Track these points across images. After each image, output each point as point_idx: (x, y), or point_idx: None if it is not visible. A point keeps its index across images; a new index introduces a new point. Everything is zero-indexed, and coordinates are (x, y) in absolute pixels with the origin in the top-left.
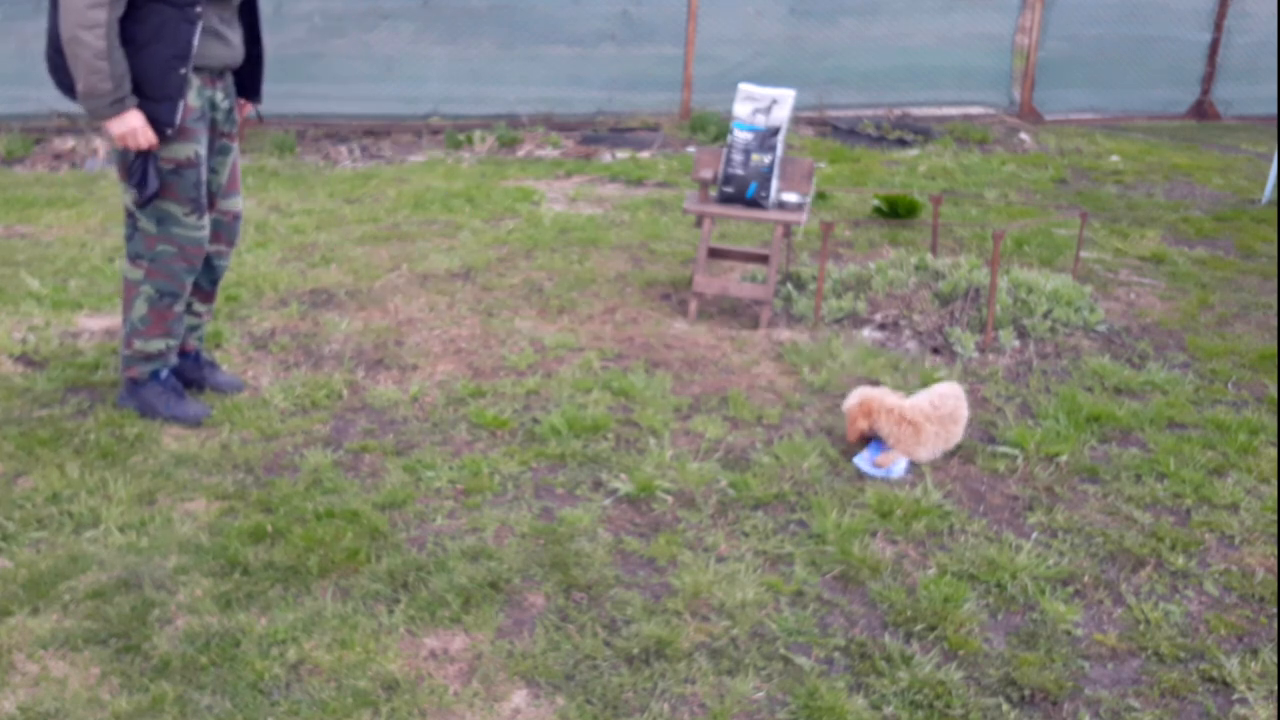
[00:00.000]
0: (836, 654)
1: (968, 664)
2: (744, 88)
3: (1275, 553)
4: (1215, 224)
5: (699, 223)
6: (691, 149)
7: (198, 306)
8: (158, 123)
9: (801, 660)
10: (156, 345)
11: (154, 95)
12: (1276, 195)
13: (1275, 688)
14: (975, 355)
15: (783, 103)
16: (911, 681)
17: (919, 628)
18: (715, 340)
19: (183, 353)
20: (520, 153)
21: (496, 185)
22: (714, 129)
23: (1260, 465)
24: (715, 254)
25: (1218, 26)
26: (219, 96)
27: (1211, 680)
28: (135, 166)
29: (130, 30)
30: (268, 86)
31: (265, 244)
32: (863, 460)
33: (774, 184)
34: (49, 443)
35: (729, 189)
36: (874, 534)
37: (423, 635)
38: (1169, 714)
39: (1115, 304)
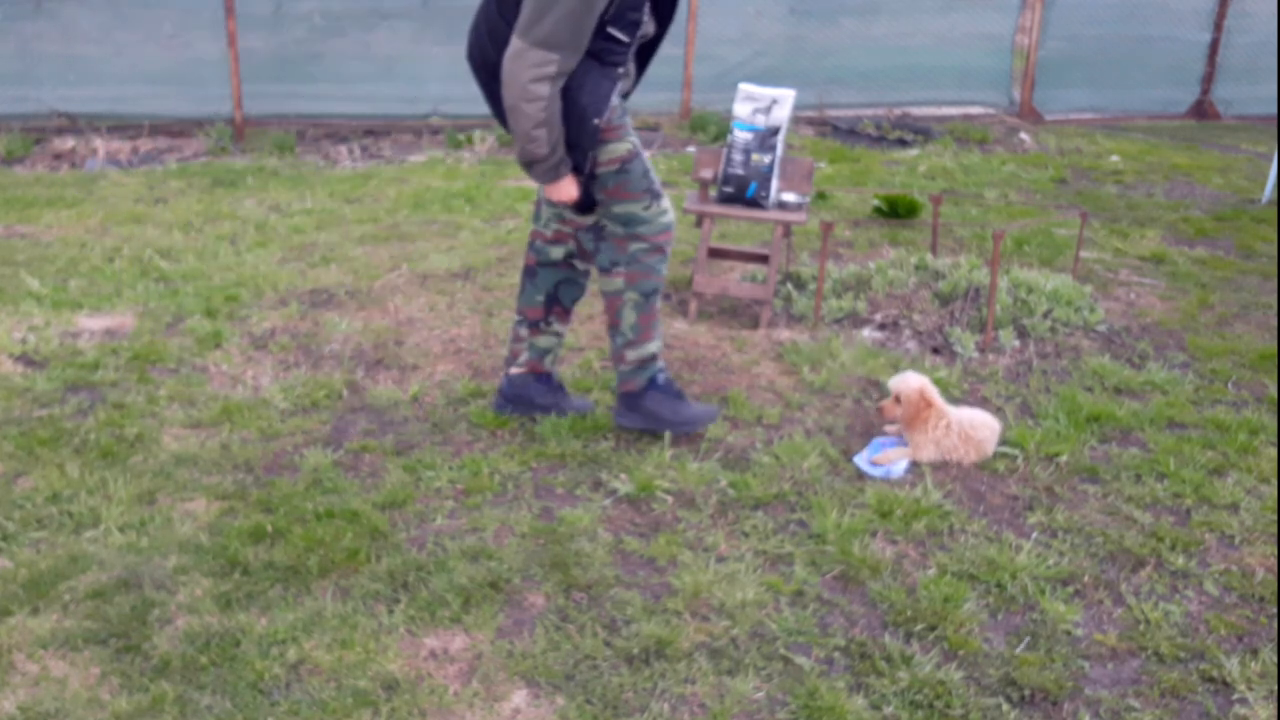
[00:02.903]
0: (836, 654)
1: (968, 664)
2: (744, 88)
3: (1275, 553)
4: (1215, 224)
5: (699, 222)
6: (691, 149)
7: (557, 326)
8: (577, 167)
9: (801, 660)
10: (650, 349)
11: (574, 143)
12: (1276, 195)
13: (1275, 688)
14: (975, 355)
15: (783, 103)
16: (911, 681)
17: (919, 628)
18: (715, 340)
19: (536, 375)
20: None
21: (496, 185)
22: (714, 129)
23: (1260, 465)
24: (715, 254)
25: (1218, 26)
26: None
27: (1211, 680)
28: (585, 194)
29: None
30: (267, 86)
31: (265, 244)
32: (862, 460)
33: (774, 184)
34: (49, 443)
35: (729, 189)
36: (874, 534)
37: (423, 635)
38: (1169, 714)
39: (1115, 304)
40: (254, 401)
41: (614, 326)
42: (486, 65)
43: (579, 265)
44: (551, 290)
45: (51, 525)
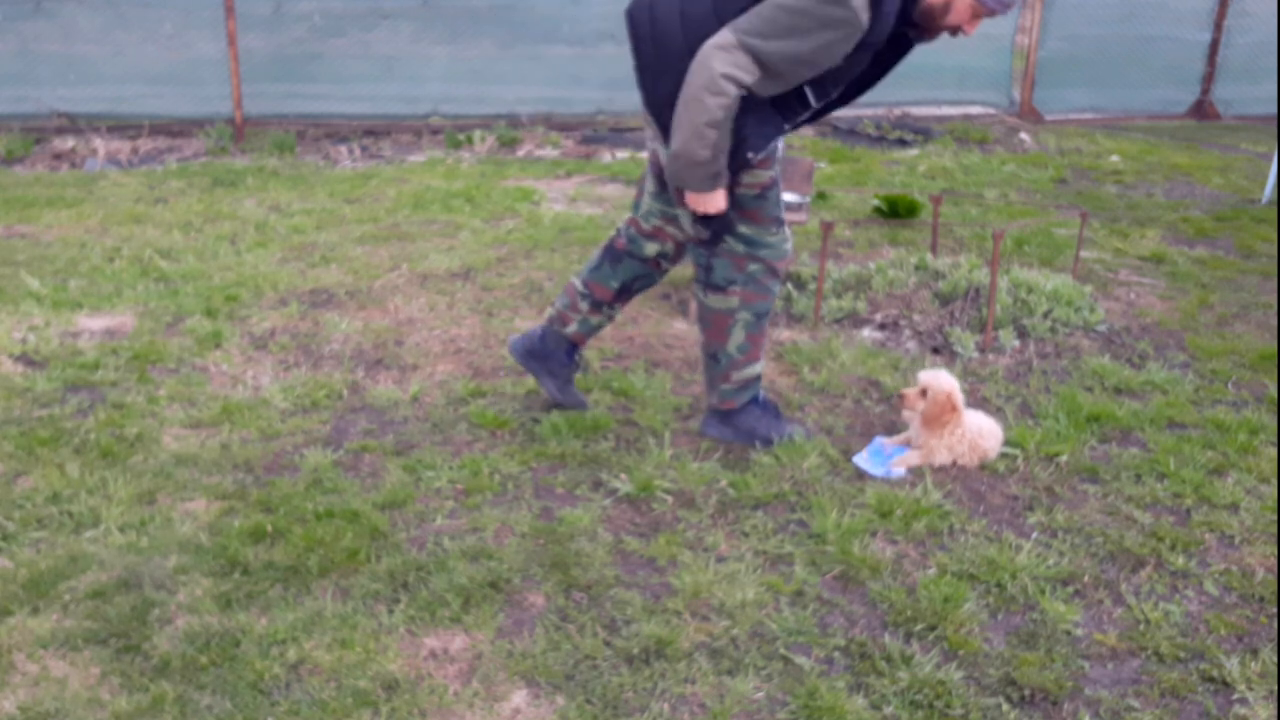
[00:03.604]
0: (836, 654)
1: (968, 664)
2: None
3: (1275, 553)
4: (1215, 224)
5: None
6: None
7: (618, 312)
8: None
9: (801, 660)
10: (755, 370)
11: (732, 148)
12: (1276, 195)
13: (1275, 688)
14: (975, 355)
15: None
16: (911, 681)
17: (919, 628)
18: None
19: (572, 346)
20: (520, 153)
21: (496, 185)
22: None
23: (1260, 465)
24: None
25: (1218, 26)
26: None
27: (1211, 680)
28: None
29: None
30: (267, 86)
31: (265, 244)
32: (862, 459)
33: None
34: (49, 443)
35: None
36: (874, 534)
37: (423, 635)
38: (1169, 714)
39: (1115, 304)
40: (254, 401)
41: (719, 345)
42: (656, 37)
43: (665, 266)
44: (629, 281)
45: (51, 525)
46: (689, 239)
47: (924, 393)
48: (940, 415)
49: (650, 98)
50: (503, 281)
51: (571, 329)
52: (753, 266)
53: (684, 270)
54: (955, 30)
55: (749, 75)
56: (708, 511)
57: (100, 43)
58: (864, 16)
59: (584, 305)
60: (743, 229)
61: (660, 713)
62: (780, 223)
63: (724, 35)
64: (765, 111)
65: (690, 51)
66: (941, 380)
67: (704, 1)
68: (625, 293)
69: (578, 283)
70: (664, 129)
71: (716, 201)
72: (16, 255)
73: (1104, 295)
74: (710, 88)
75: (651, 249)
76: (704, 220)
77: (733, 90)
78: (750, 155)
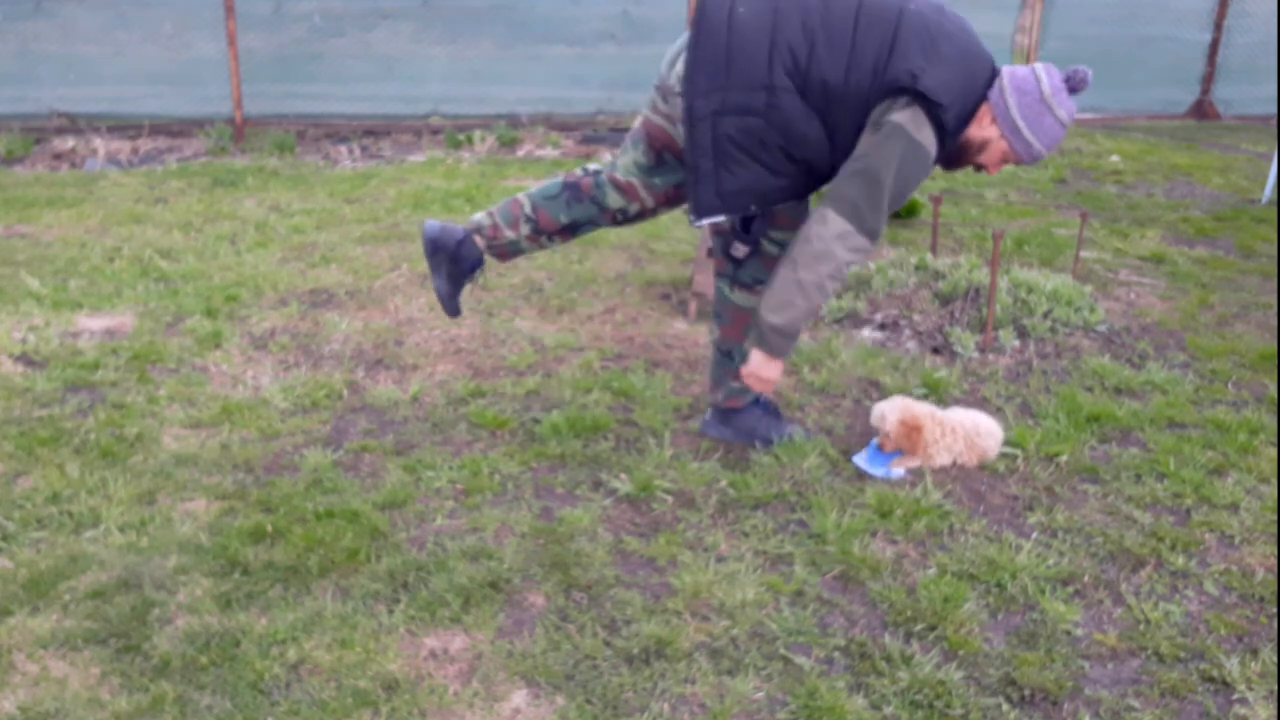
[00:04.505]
0: (836, 654)
1: (968, 664)
2: None
3: (1275, 553)
4: (1215, 224)
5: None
6: None
7: (557, 244)
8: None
9: (801, 660)
10: None
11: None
12: (1276, 195)
13: (1275, 688)
14: (975, 355)
15: None
16: (911, 681)
17: (919, 628)
18: None
19: (489, 247)
20: (520, 153)
21: (496, 185)
22: None
23: (1260, 465)
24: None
25: (1218, 26)
26: None
27: (1211, 680)
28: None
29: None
30: (267, 86)
31: (265, 244)
32: (862, 459)
33: None
34: (49, 443)
35: None
36: (874, 534)
37: (423, 635)
38: (1169, 714)
39: (1115, 304)
40: (254, 401)
41: (734, 342)
42: (733, 48)
43: (619, 220)
44: (579, 221)
45: (51, 525)
46: (726, 252)
47: (888, 436)
48: (910, 441)
49: (692, 100)
50: (503, 281)
51: (500, 243)
52: None
53: (684, 271)
54: (980, 167)
55: (864, 255)
56: (708, 511)
57: (100, 43)
58: (934, 154)
59: (525, 229)
60: (774, 234)
61: (660, 713)
62: None
63: (840, 225)
64: (797, 175)
65: (770, 88)
66: (887, 419)
67: (826, 103)
68: (570, 230)
69: (525, 203)
70: (689, 127)
71: (775, 373)
72: (16, 255)
73: (1104, 295)
74: (834, 275)
75: (616, 201)
76: (743, 233)
77: (835, 287)
78: (754, 207)
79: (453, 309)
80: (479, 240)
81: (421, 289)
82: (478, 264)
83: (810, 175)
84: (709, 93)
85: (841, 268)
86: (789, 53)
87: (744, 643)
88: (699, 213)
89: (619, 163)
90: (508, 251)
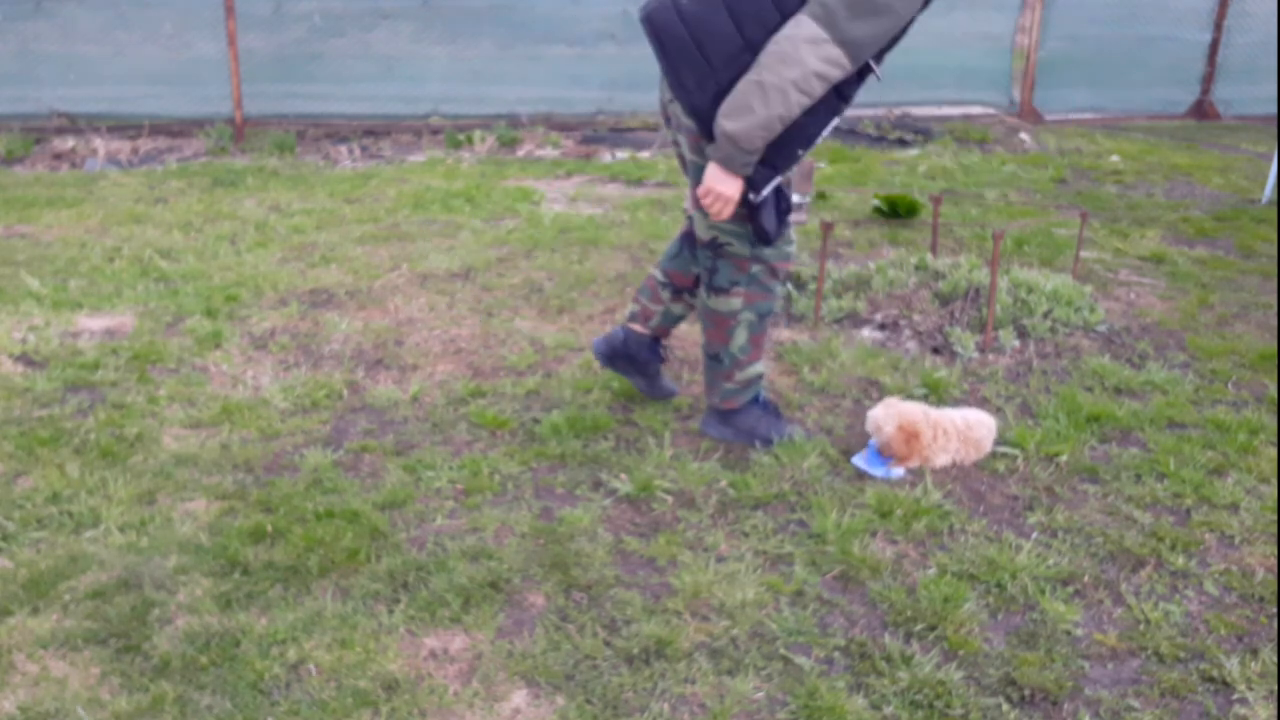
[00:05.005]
0: (836, 654)
1: (968, 664)
2: None
3: (1275, 553)
4: (1215, 224)
5: None
6: None
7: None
8: (751, 183)
9: (801, 660)
10: (757, 370)
11: (768, 161)
12: (1276, 195)
13: (1275, 688)
14: (975, 355)
15: None
16: (911, 681)
17: (919, 628)
18: None
19: (656, 341)
20: (520, 153)
21: (496, 185)
22: None
23: (1260, 465)
24: None
25: (1218, 26)
26: None
27: (1211, 680)
28: (768, 207)
29: None
30: (267, 86)
31: (265, 244)
32: (861, 460)
33: None
34: (49, 443)
35: None
36: (874, 534)
37: (423, 635)
38: (1169, 714)
39: (1115, 304)
40: (254, 401)
41: (721, 346)
42: (699, 37)
43: None
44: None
45: (51, 525)
46: (700, 243)
47: (889, 445)
48: (909, 447)
49: (691, 101)
50: (503, 281)
51: (655, 322)
52: (755, 268)
53: None
54: None
55: (839, 72)
56: (708, 511)
57: (100, 43)
58: None
59: (665, 294)
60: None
61: (660, 713)
62: (787, 225)
63: (812, 29)
64: (827, 104)
65: (750, 47)
66: (884, 429)
67: None
68: None
69: (657, 273)
70: (707, 132)
71: (736, 188)
72: (16, 255)
73: (1104, 295)
74: (801, 84)
75: None
76: (771, 225)
77: (819, 90)
78: (801, 153)
79: (663, 391)
80: (638, 328)
81: (421, 289)
82: (654, 347)
83: (835, 92)
84: (701, 85)
85: (809, 78)
86: (750, 3)
87: (744, 643)
88: (757, 188)
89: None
90: (665, 327)
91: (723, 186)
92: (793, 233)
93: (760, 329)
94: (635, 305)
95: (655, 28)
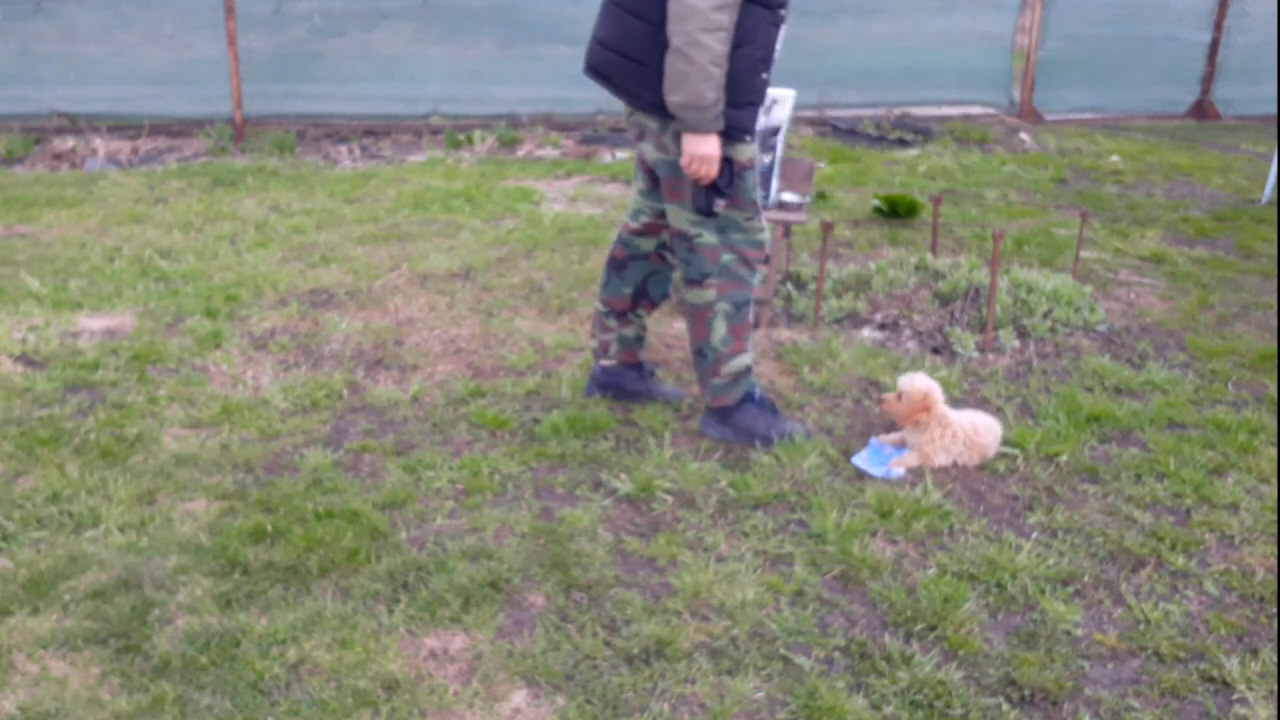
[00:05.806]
0: (836, 654)
1: (968, 664)
2: None
3: (1275, 553)
4: (1215, 224)
5: None
6: None
7: (644, 316)
8: (739, 129)
9: (801, 660)
10: (743, 362)
11: (737, 101)
12: (1276, 195)
13: (1275, 688)
14: (975, 355)
15: (783, 103)
16: (911, 681)
17: (919, 628)
18: None
19: (627, 365)
20: (520, 153)
21: (496, 185)
22: None
23: (1260, 465)
24: None
25: (1218, 26)
26: None
27: (1211, 680)
28: (724, 175)
29: None
30: (267, 86)
31: (265, 244)
32: (862, 460)
33: (774, 184)
34: (49, 443)
35: None
36: (874, 534)
37: (423, 635)
38: (1169, 714)
39: (1115, 304)
40: (254, 401)
41: (702, 340)
42: (627, 52)
43: (669, 258)
44: (640, 284)
45: (51, 525)
46: (673, 234)
47: (900, 396)
48: (912, 413)
49: (648, 100)
50: (503, 281)
51: (614, 351)
52: (726, 257)
53: None
54: None
55: (728, 3)
56: (708, 511)
57: (100, 43)
58: None
59: (611, 322)
60: (721, 213)
61: (660, 713)
62: (757, 210)
63: None
64: (761, 24)
65: (661, 26)
66: (916, 382)
67: None
68: (641, 296)
69: (599, 305)
70: (666, 127)
71: (715, 145)
72: (16, 255)
73: (1104, 295)
74: (707, 26)
75: (648, 245)
76: (703, 193)
77: (725, 19)
78: (765, 76)
79: (666, 398)
80: (606, 362)
81: (421, 289)
82: (628, 372)
83: (760, 5)
84: (647, 83)
85: (708, 16)
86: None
87: (744, 643)
88: (747, 127)
89: (630, 208)
90: (626, 352)
91: (700, 147)
92: (765, 221)
93: (739, 320)
94: (593, 341)
95: (592, 66)
